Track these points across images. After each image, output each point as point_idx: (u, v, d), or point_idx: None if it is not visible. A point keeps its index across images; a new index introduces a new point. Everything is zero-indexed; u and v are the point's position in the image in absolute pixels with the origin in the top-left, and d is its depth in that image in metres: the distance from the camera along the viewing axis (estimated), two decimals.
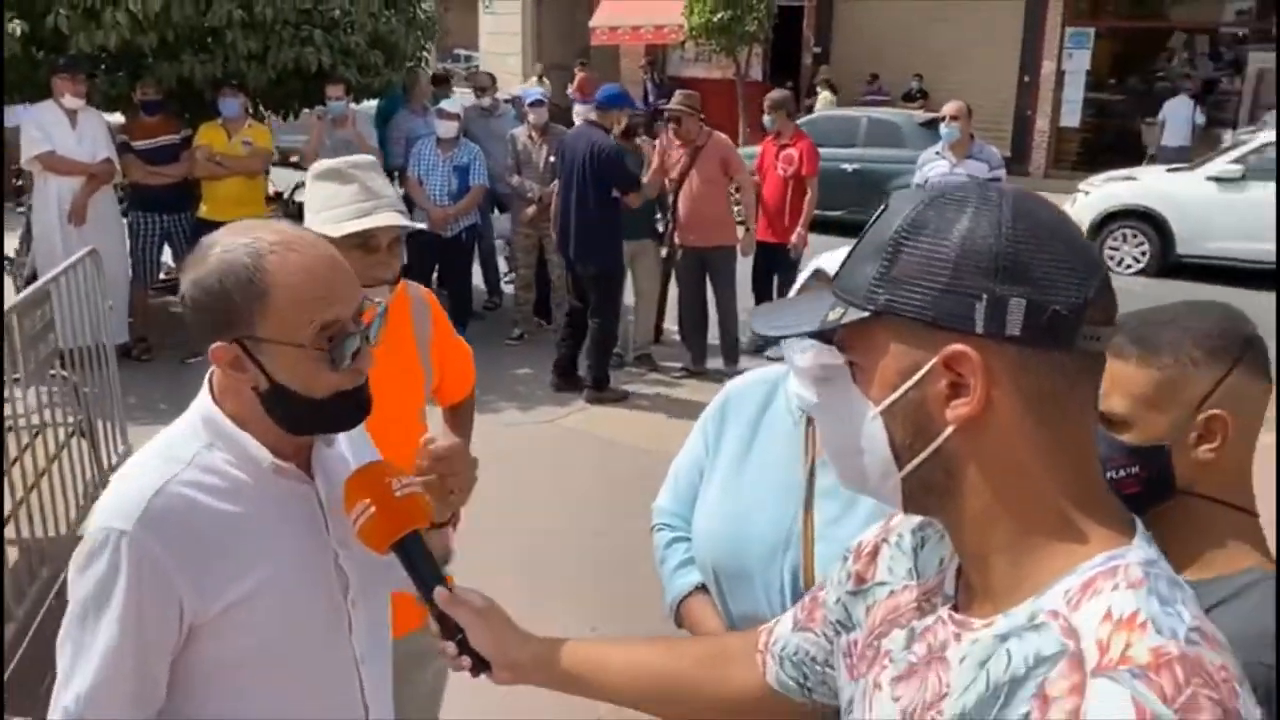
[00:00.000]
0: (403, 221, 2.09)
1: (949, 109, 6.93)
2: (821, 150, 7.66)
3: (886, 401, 0.91)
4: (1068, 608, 0.83)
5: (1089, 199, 10.90)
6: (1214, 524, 1.30)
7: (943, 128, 6.97)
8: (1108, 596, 0.82)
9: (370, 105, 8.92)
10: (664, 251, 7.30)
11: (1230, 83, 17.20)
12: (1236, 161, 10.28)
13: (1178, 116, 14.32)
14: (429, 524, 1.43)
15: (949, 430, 0.88)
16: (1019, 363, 0.86)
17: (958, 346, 0.86)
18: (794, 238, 7.25)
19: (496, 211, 8.38)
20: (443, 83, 9.06)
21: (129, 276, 7.09)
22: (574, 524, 4.95)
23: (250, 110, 7.44)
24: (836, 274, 0.98)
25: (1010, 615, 0.87)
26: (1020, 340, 0.85)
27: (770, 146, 7.46)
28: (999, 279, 0.85)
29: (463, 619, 1.32)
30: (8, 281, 7.21)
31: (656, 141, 7.34)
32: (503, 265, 8.75)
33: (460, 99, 8.37)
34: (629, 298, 7.30)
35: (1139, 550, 0.86)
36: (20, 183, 6.67)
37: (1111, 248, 10.57)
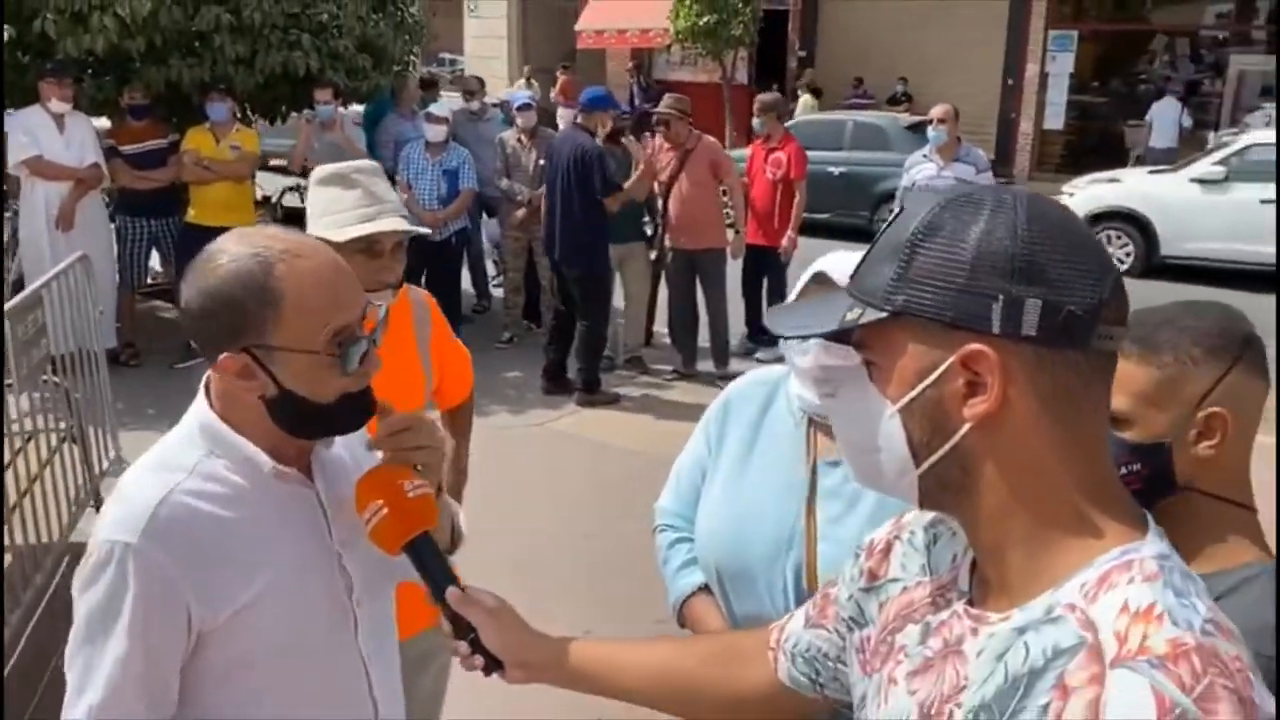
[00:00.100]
0: (406, 226, 2.10)
1: (936, 112, 6.97)
2: (808, 153, 7.70)
3: (904, 400, 0.93)
4: (1084, 601, 0.85)
5: (1073, 201, 10.98)
6: (1214, 519, 1.32)
7: (930, 131, 7.02)
8: (1124, 590, 0.84)
9: (357, 109, 8.92)
10: (653, 254, 7.33)
11: (1212, 85, 17.36)
12: (1219, 163, 10.38)
13: (1165, 118, 14.43)
14: (436, 523, 1.44)
15: (966, 428, 0.90)
16: (1035, 362, 0.88)
17: (975, 346, 0.88)
18: (784, 241, 7.28)
19: (485, 216, 8.39)
20: (431, 87, 9.07)
21: (116, 282, 7.06)
22: (566, 526, 4.96)
23: (238, 115, 7.42)
24: (852, 275, 0.99)
25: (1027, 609, 0.89)
26: (1036, 340, 0.87)
27: (759, 150, 7.50)
28: (1015, 280, 0.87)
29: (475, 619, 1.33)
30: None
31: (646, 144, 7.36)
32: (490, 269, 8.76)
33: (446, 103, 8.38)
34: (619, 301, 7.33)
35: (1152, 544, 0.89)
36: (5, 188, 6.62)
37: None
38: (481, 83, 8.60)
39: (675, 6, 15.86)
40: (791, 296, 1.90)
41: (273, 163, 8.99)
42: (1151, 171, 11.57)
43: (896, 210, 0.98)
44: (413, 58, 8.82)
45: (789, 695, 1.27)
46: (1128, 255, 10.56)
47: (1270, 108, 14.15)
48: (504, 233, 7.79)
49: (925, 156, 7.05)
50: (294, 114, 8.18)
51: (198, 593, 1.33)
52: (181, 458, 1.39)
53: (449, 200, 7.20)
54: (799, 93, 17.10)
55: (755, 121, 7.55)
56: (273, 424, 1.39)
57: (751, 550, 1.86)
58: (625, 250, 7.00)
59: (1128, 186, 10.98)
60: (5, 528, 3.56)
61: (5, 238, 6.98)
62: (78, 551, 4.12)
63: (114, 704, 1.34)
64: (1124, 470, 1.30)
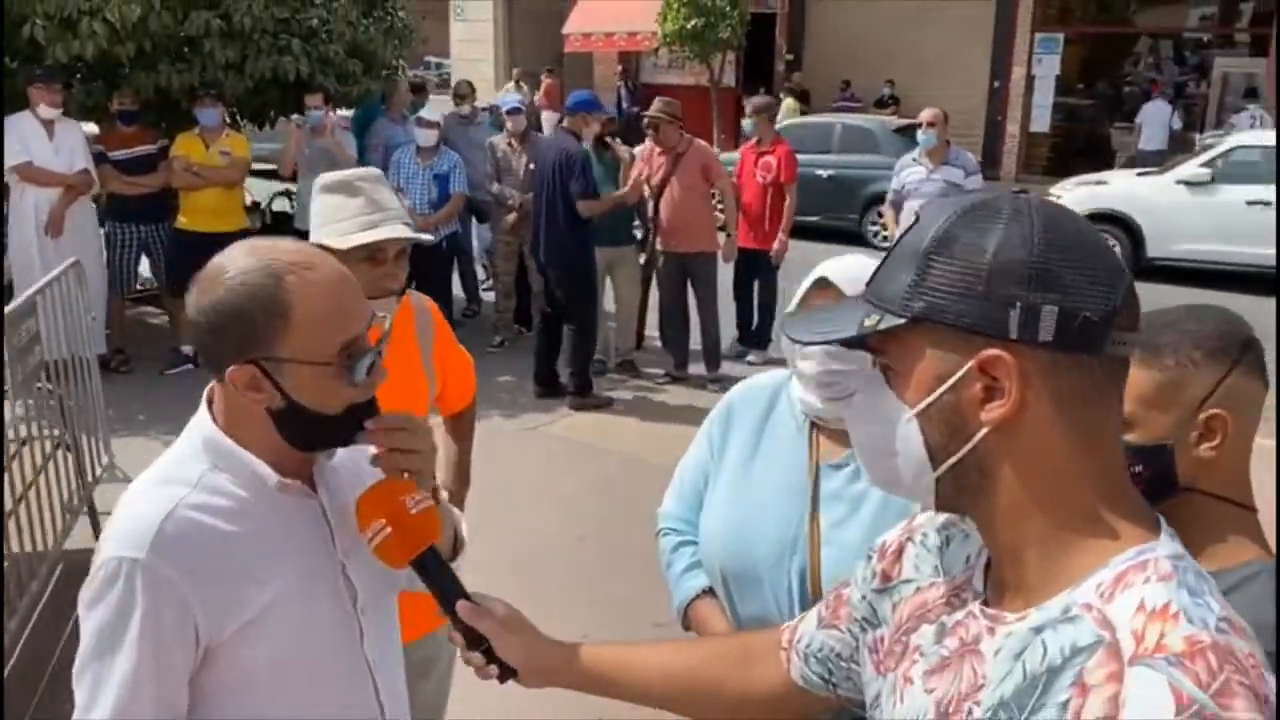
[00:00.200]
0: (409, 234, 2.11)
1: (925, 116, 7.02)
2: (797, 156, 7.73)
3: (922, 404, 0.95)
4: (1101, 600, 0.87)
5: (1060, 203, 11.05)
6: (1215, 519, 1.34)
7: (919, 134, 7.06)
8: (1140, 589, 0.86)
9: (345, 113, 8.91)
10: (642, 258, 7.35)
11: (1197, 87, 17.50)
12: (1205, 165, 10.45)
13: (1155, 121, 14.53)
14: (439, 537, 1.44)
15: (983, 431, 0.92)
16: (1051, 367, 0.90)
17: (993, 351, 0.90)
18: (775, 244, 7.31)
19: (475, 220, 8.40)
20: (420, 91, 9.06)
21: (106, 288, 7.04)
22: (562, 530, 4.97)
23: (227, 120, 7.41)
24: (869, 282, 1.01)
25: (1044, 608, 0.91)
26: (1052, 346, 0.89)
27: (750, 153, 7.53)
28: (1032, 287, 0.89)
29: (487, 630, 1.34)
30: None
31: (638, 148, 7.39)
32: (480, 273, 8.77)
33: (432, 107, 8.40)
34: (610, 305, 7.34)
35: (1166, 545, 0.91)
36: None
37: None
38: (472, 87, 8.60)
39: (663, 9, 15.89)
40: (794, 301, 1.92)
41: (260, 167, 8.97)
42: (1138, 174, 11.65)
43: (913, 219, 0.99)
44: (400, 62, 8.81)
45: (800, 695, 1.29)
46: None
47: (1255, 108, 14.28)
48: (495, 237, 7.79)
49: (915, 160, 7.09)
50: (283, 119, 8.18)
51: (205, 607, 1.33)
52: (185, 472, 1.39)
53: (440, 205, 7.20)
54: (782, 96, 17.17)
55: (746, 122, 7.58)
56: (276, 436, 1.39)
57: (756, 553, 1.88)
58: (616, 254, 7.02)
59: (1114, 188, 11.05)
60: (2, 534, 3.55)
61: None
62: (72, 559, 4.13)
63: (124, 718, 1.33)
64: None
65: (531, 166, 7.02)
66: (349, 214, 2.08)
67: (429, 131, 7.22)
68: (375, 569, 1.50)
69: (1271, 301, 7.62)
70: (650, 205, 7.14)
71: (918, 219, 0.99)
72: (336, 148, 7.30)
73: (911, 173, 7.04)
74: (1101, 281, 0.90)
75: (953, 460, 0.95)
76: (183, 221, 7.03)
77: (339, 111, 8.24)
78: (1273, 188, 9.83)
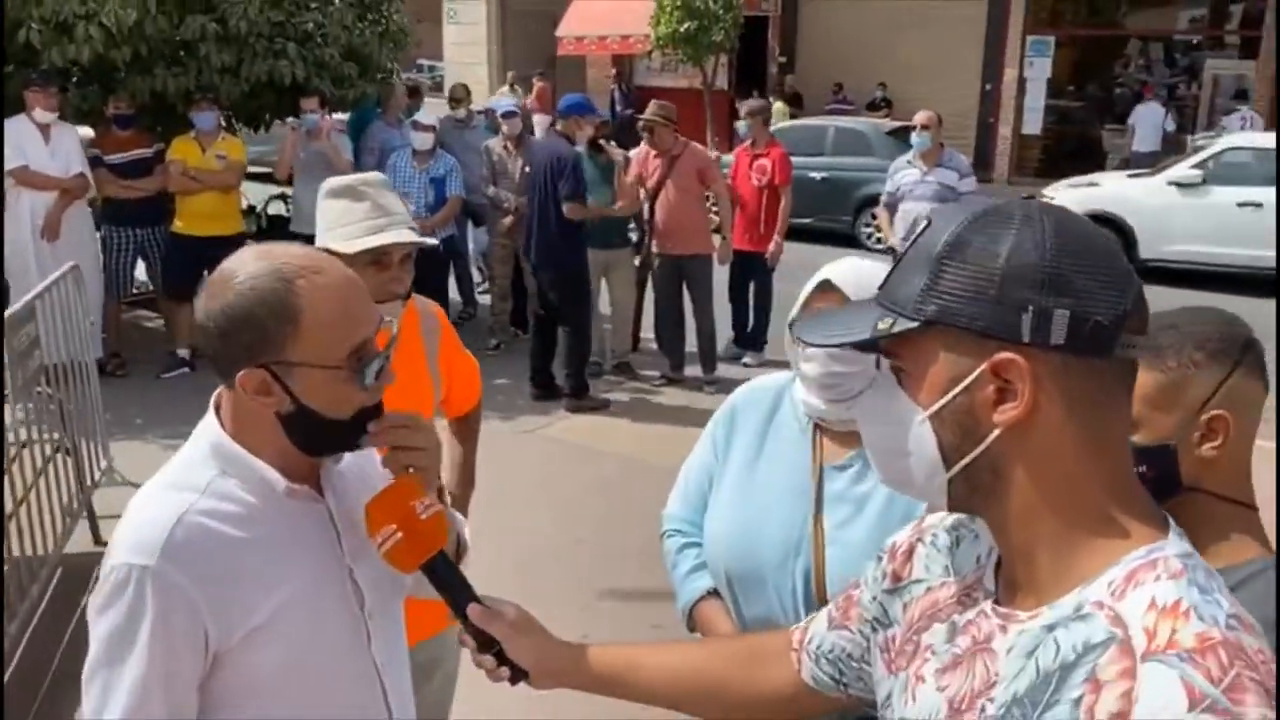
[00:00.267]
0: (415, 238, 2.12)
1: (920, 118, 7.05)
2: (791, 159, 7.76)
3: (935, 406, 0.97)
4: (1112, 598, 0.89)
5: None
6: (1218, 518, 1.36)
7: (914, 137, 7.09)
8: (1151, 587, 0.88)
9: (339, 117, 8.91)
10: (638, 260, 7.37)
11: (1187, 89, 17.60)
12: (1196, 167, 10.50)
13: (1148, 123, 14.59)
14: (448, 541, 1.45)
15: (996, 433, 0.94)
16: (1062, 370, 0.92)
17: (1006, 354, 0.92)
18: (771, 246, 7.34)
19: (471, 223, 8.41)
20: (415, 95, 9.07)
21: (102, 292, 7.04)
22: (560, 532, 4.98)
23: (223, 124, 7.41)
24: (881, 286, 1.03)
25: (1056, 607, 0.93)
26: (1064, 349, 0.91)
27: (745, 155, 7.55)
28: (1044, 292, 0.91)
29: (499, 633, 1.35)
30: None
31: (632, 151, 7.41)
32: (475, 276, 8.78)
33: (427, 110, 8.41)
34: (605, 307, 7.36)
35: (1175, 544, 0.93)
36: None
37: None
38: (467, 90, 8.61)
39: (656, 13, 15.89)
40: (797, 304, 1.93)
41: (256, 170, 8.99)
42: (1130, 175, 11.71)
43: (925, 223, 1.01)
44: (394, 65, 8.82)
45: (811, 695, 1.30)
46: None
47: (1245, 110, 14.36)
48: (491, 240, 7.81)
49: (909, 162, 7.12)
50: (278, 122, 8.18)
51: (215, 613, 1.33)
52: (194, 477, 1.39)
53: (436, 208, 7.21)
54: (771, 100, 17.18)
55: (740, 124, 7.60)
56: (285, 441, 1.39)
57: (761, 554, 1.89)
58: (611, 256, 7.04)
59: (1106, 190, 11.10)
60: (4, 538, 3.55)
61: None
62: (71, 563, 4.13)
63: None
64: None
65: (527, 169, 7.04)
66: (355, 218, 2.09)
67: (425, 135, 7.23)
68: (382, 573, 1.51)
69: (1264, 303, 7.68)
70: (645, 208, 7.16)
71: (929, 223, 1.01)
72: (332, 151, 7.30)
73: (906, 175, 7.08)
74: (1112, 286, 0.92)
75: (965, 461, 0.97)
76: (179, 226, 7.03)
77: (334, 115, 8.24)
78: (1263, 189, 9.90)
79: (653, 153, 7.08)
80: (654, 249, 7.20)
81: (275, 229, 8.34)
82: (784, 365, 2.14)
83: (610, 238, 6.98)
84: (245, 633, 1.35)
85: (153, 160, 7.01)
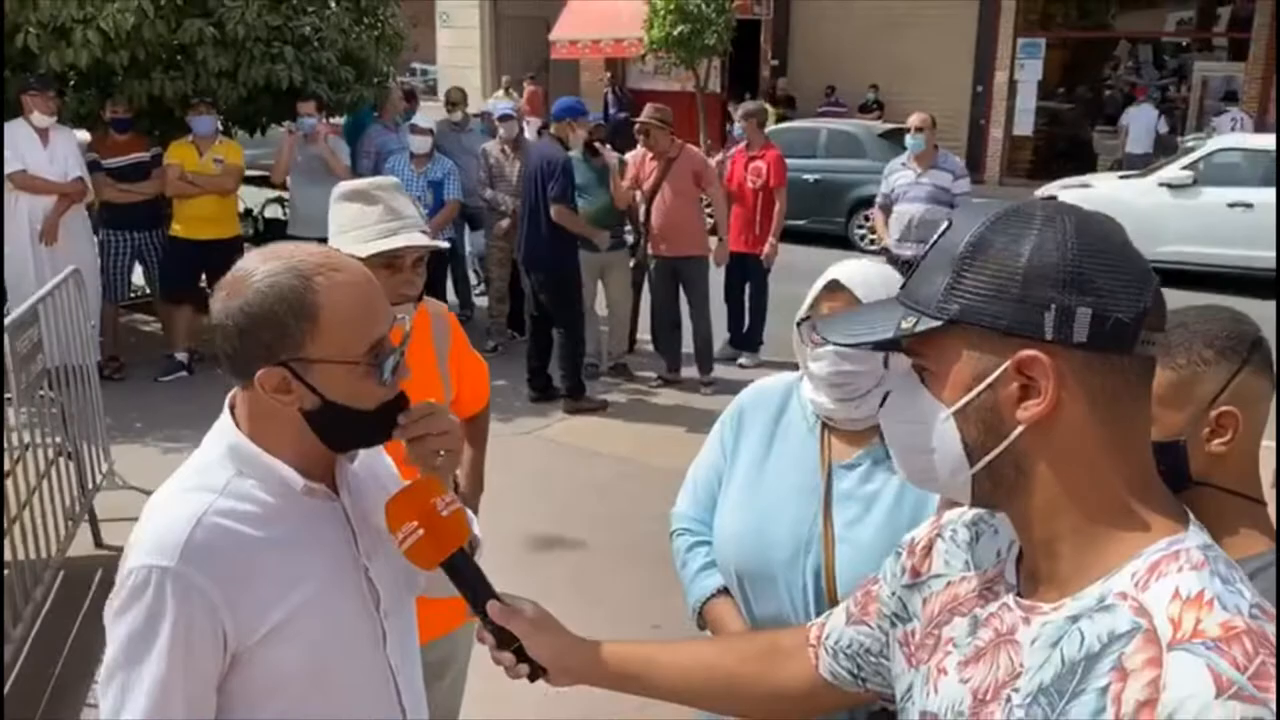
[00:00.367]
0: (427, 241, 2.14)
1: (914, 120, 7.08)
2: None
3: (960, 403, 0.99)
4: (1136, 589, 0.91)
5: None
6: (1227, 512, 1.39)
7: (908, 139, 7.12)
8: (1174, 578, 0.90)
9: (334, 121, 8.92)
10: (633, 262, 7.39)
11: (1177, 90, 17.69)
12: (1187, 168, 10.56)
13: (1141, 124, 14.67)
14: (468, 538, 1.46)
15: (1020, 429, 0.97)
16: (1085, 366, 0.94)
17: (1030, 352, 0.94)
18: (766, 248, 7.37)
19: (468, 227, 8.43)
20: (411, 99, 9.09)
21: (100, 295, 7.03)
22: (561, 533, 5.00)
23: (220, 128, 7.41)
24: (903, 285, 1.05)
25: (1079, 598, 0.95)
26: (1086, 346, 0.93)
27: (740, 157, 7.59)
28: (1066, 290, 0.93)
29: (518, 630, 1.37)
30: None
31: (628, 154, 7.43)
32: (472, 278, 8.80)
33: (422, 114, 8.42)
34: (602, 309, 7.38)
35: (1195, 536, 0.95)
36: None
37: None
38: (464, 94, 8.64)
39: (649, 16, 15.92)
40: (805, 304, 1.95)
41: (251, 174, 8.99)
42: (1121, 176, 11.76)
43: (946, 224, 1.03)
44: (390, 69, 8.83)
45: (828, 690, 1.32)
46: None
47: (1235, 111, 14.45)
48: (488, 242, 7.83)
49: (903, 164, 7.15)
50: (275, 126, 8.18)
51: (234, 613, 1.33)
52: (211, 478, 1.39)
53: (434, 211, 7.23)
54: (761, 102, 17.23)
55: (736, 127, 7.63)
56: (304, 440, 1.40)
57: (771, 553, 1.91)
58: (607, 259, 7.06)
59: (1098, 191, 11.14)
60: (4, 543, 3.55)
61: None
62: (73, 566, 4.14)
63: None
64: None
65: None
66: (368, 221, 2.11)
67: (423, 138, 7.24)
68: (396, 572, 1.53)
69: (1255, 303, 7.72)
70: (642, 210, 7.19)
71: (950, 224, 1.03)
72: (329, 155, 7.31)
73: (900, 177, 7.11)
74: (1132, 284, 0.95)
75: (989, 457, 0.99)
76: (177, 229, 7.03)
77: (331, 119, 8.25)
78: (1254, 190, 9.96)
79: (649, 155, 7.11)
80: (650, 251, 7.23)
81: (272, 232, 8.34)
82: (780, 366, 2.17)
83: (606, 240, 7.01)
84: (264, 632, 1.35)
85: (150, 164, 7.01)
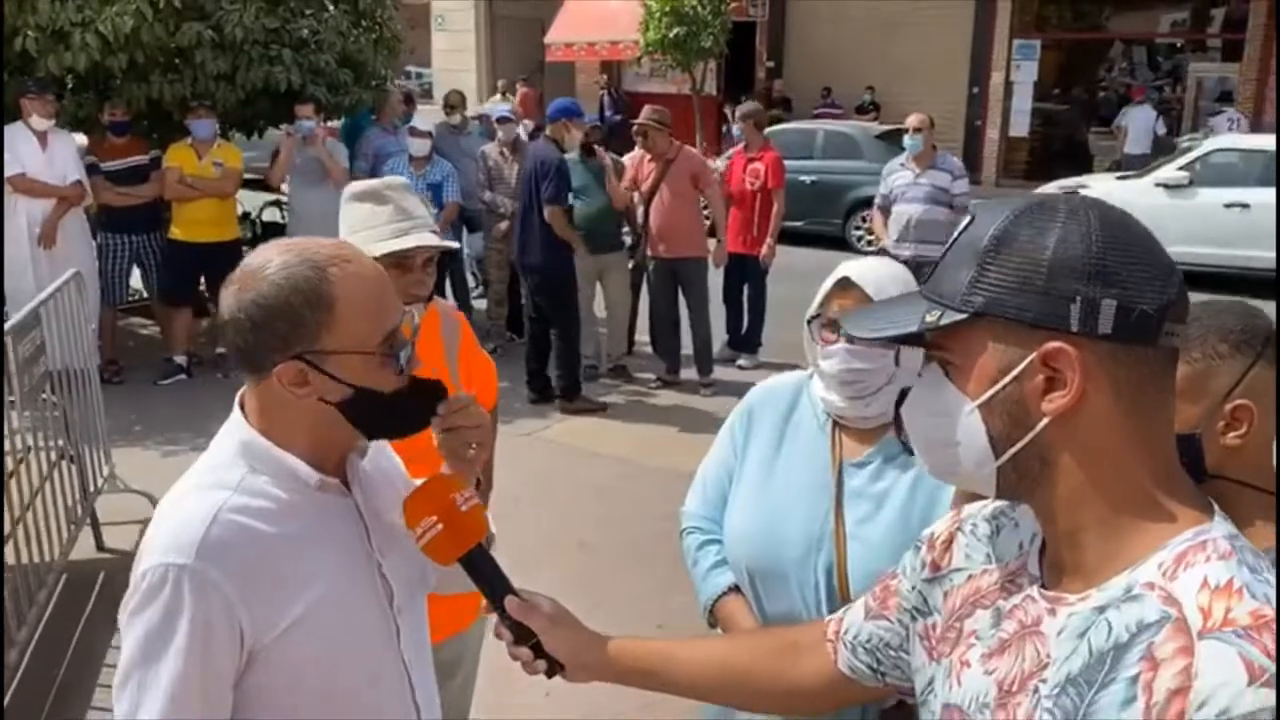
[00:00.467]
0: (437, 241, 2.15)
1: (912, 121, 7.10)
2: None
3: (985, 396, 0.99)
4: (1163, 579, 0.92)
5: None
6: (1242, 505, 1.39)
7: (906, 139, 7.14)
8: (1202, 568, 0.91)
9: (333, 123, 8.93)
10: (632, 263, 7.40)
11: (1172, 91, 17.75)
12: (1183, 168, 10.59)
13: (1139, 125, 14.71)
14: (487, 533, 1.47)
15: (1045, 421, 0.97)
16: (1110, 358, 0.95)
17: (1056, 344, 0.95)
18: (764, 249, 7.38)
19: (466, 230, 8.43)
20: (410, 102, 9.10)
21: (98, 299, 7.02)
22: (562, 535, 5.00)
23: (219, 131, 7.42)
24: (926, 280, 1.06)
25: (1105, 589, 0.96)
26: (1111, 338, 0.94)
27: (739, 159, 7.60)
28: (1091, 282, 0.94)
29: (536, 625, 1.37)
30: None
31: (626, 156, 7.45)
32: (470, 281, 8.80)
33: (420, 117, 8.44)
34: (600, 310, 7.38)
35: (1221, 526, 0.96)
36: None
37: None
38: (462, 97, 8.65)
39: (645, 19, 15.94)
40: (815, 302, 1.96)
41: (248, 177, 8.99)
42: (1118, 177, 11.80)
43: (968, 219, 1.04)
44: (388, 72, 8.84)
45: (846, 685, 1.33)
46: None
47: (1231, 111, 14.50)
48: (487, 245, 7.83)
49: (902, 165, 7.17)
50: (272, 129, 8.18)
51: (251, 611, 1.33)
52: (224, 476, 1.39)
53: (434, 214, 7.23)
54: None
55: (735, 129, 7.64)
56: (317, 433, 1.40)
57: (783, 551, 1.91)
58: (605, 260, 7.07)
59: (1095, 192, 11.09)
60: (2, 548, 3.55)
61: None
62: (76, 570, 4.14)
63: None
64: None
65: None
66: (379, 221, 2.11)
67: (422, 141, 7.25)
68: (409, 569, 1.53)
69: (1256, 304, 7.73)
70: (640, 211, 7.20)
71: (972, 219, 1.04)
72: (327, 157, 7.32)
73: (899, 177, 7.13)
74: (1156, 275, 0.95)
75: (1014, 450, 0.99)
76: (175, 233, 7.03)
77: (329, 122, 8.25)
78: (1250, 190, 9.99)
79: (647, 157, 7.12)
80: (648, 252, 7.23)
81: (270, 236, 8.33)
82: (779, 368, 2.18)
83: (605, 241, 7.02)
84: (281, 629, 1.35)
85: (148, 167, 7.01)
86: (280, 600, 1.35)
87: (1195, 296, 0.93)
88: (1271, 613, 0.86)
